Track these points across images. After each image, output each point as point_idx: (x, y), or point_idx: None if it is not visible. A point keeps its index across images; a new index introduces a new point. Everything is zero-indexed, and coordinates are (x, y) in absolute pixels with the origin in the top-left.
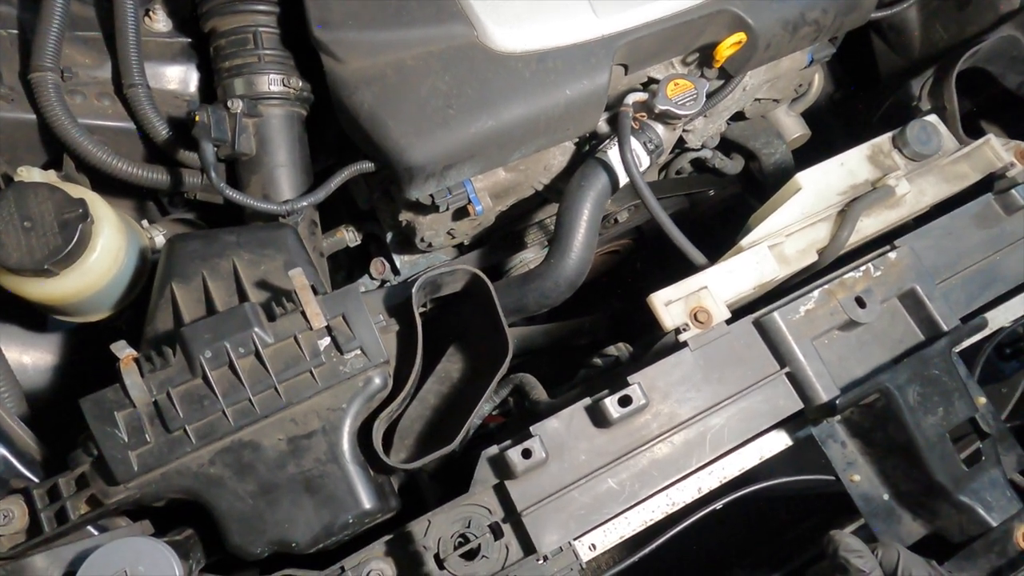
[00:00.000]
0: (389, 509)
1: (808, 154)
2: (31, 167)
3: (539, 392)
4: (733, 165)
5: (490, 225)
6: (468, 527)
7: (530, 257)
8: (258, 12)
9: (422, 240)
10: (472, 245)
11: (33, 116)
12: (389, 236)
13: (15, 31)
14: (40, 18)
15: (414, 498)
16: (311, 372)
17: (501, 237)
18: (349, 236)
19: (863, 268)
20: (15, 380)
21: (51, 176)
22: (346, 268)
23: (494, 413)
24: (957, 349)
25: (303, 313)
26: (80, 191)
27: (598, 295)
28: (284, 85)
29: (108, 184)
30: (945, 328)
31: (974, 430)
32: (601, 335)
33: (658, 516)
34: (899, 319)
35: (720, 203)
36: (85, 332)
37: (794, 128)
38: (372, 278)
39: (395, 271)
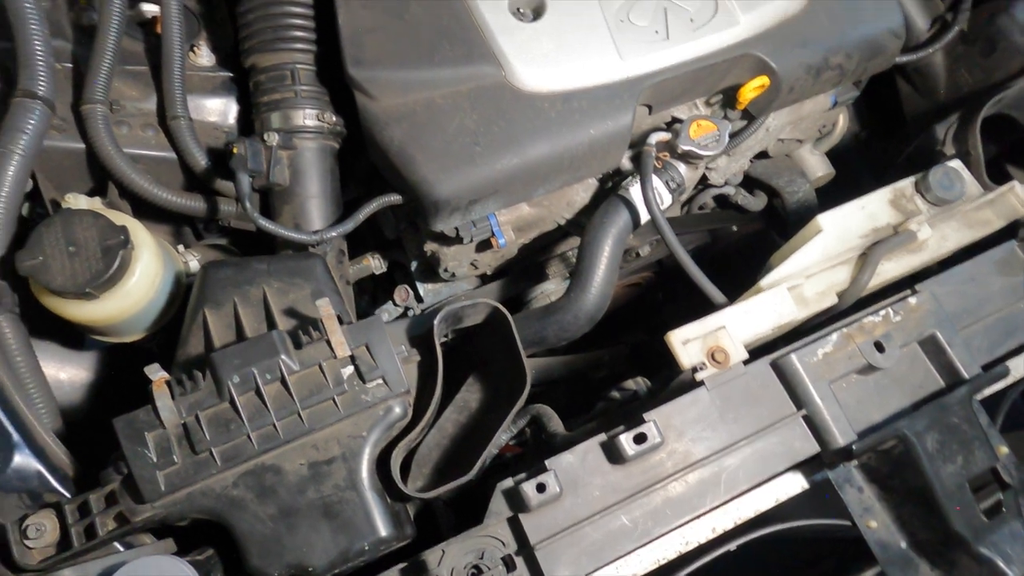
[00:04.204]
0: (405, 537)
1: (832, 193)
2: (78, 194)
3: (556, 424)
4: (756, 202)
5: (512, 257)
6: (481, 558)
7: (551, 288)
8: (296, 50)
9: (446, 270)
10: (494, 275)
11: (82, 145)
12: (414, 265)
13: (69, 65)
14: (93, 53)
15: (429, 525)
16: (334, 400)
17: (523, 268)
18: (375, 263)
19: (883, 312)
20: (52, 396)
21: (96, 203)
22: (370, 293)
23: (511, 443)
24: (978, 397)
25: (328, 342)
26: (122, 218)
27: (617, 327)
28: (318, 120)
29: (148, 210)
30: (966, 375)
31: (995, 480)
32: (619, 367)
33: (671, 555)
34: (919, 365)
35: (743, 239)
36: (119, 352)
37: (818, 167)
38: (396, 304)
39: (418, 299)
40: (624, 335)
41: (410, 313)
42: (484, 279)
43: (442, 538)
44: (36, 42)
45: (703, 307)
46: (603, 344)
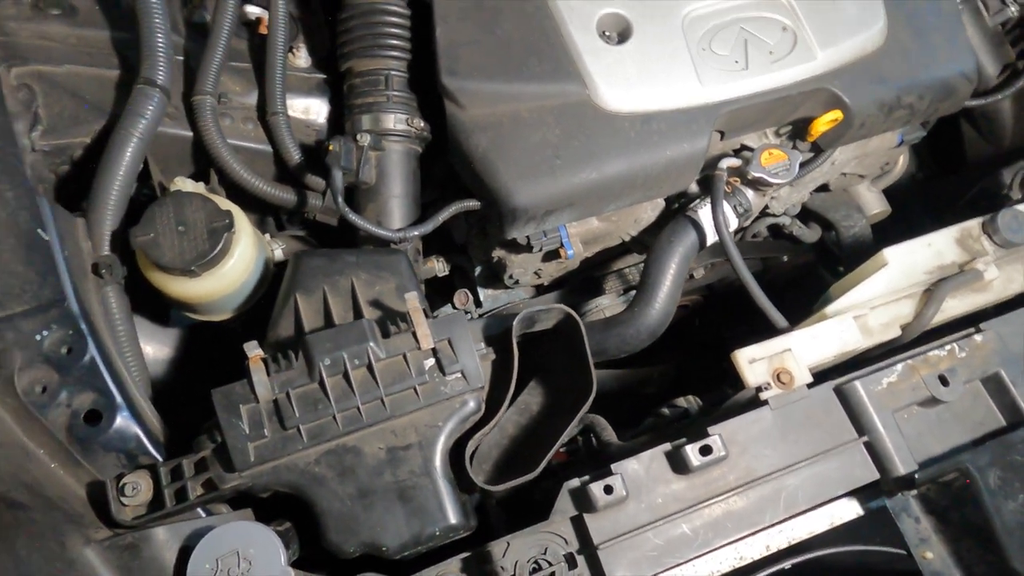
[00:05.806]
0: (470, 528)
1: (886, 230)
2: (184, 178)
3: (609, 434)
4: (810, 234)
5: (573, 269)
6: (544, 554)
7: (606, 303)
8: (392, 57)
9: (510, 277)
10: (550, 286)
11: (189, 133)
12: (478, 270)
13: (182, 58)
14: (206, 49)
15: (481, 523)
16: (415, 389)
17: (580, 281)
18: (439, 266)
19: (948, 347)
20: (145, 365)
21: (200, 187)
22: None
23: (561, 449)
24: None
25: (414, 334)
26: (226, 203)
27: (660, 347)
28: (407, 124)
29: (239, 197)
30: None
31: None
32: (666, 386)
33: (725, 568)
34: (981, 402)
35: (792, 270)
36: (201, 331)
37: (875, 204)
38: (454, 307)
39: (477, 303)
40: (666, 355)
41: (468, 317)
42: (540, 289)
43: (493, 534)
44: (159, 34)
45: (751, 334)
46: (643, 362)
